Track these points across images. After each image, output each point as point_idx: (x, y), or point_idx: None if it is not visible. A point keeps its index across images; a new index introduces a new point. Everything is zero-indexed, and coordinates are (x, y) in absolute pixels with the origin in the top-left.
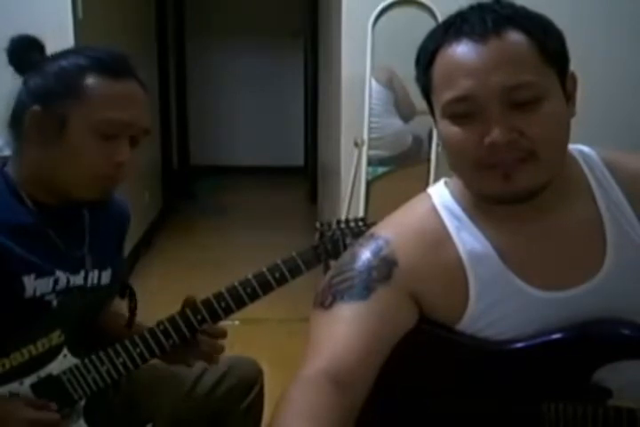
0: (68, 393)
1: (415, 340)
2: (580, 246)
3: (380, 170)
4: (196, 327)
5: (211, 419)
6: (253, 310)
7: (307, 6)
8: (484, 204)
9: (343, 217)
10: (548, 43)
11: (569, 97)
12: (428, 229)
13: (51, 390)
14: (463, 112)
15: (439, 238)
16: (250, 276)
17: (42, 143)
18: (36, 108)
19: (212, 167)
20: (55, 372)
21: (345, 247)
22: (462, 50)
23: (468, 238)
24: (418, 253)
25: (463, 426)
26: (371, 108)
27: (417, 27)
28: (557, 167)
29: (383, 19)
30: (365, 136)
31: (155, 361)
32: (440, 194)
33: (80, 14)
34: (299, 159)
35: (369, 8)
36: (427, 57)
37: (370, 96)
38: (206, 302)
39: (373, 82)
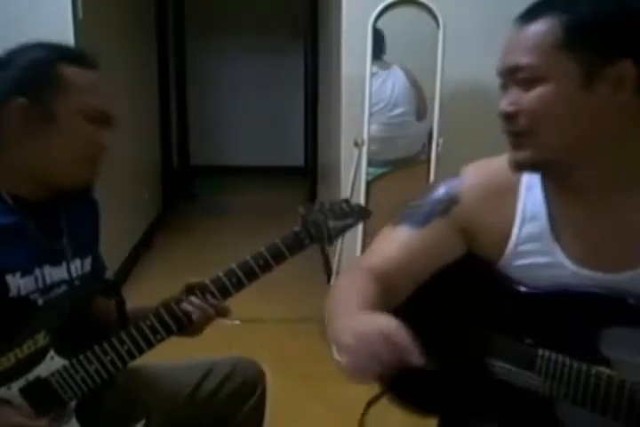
0: (58, 395)
1: (455, 274)
2: (634, 236)
3: (380, 170)
4: (182, 321)
5: (214, 421)
6: (253, 309)
7: (307, 6)
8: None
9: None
10: (582, 32)
11: (615, 83)
12: (504, 181)
13: (40, 393)
14: (502, 85)
15: (508, 192)
16: (234, 265)
17: (29, 134)
18: (22, 100)
19: (212, 167)
20: (43, 374)
21: (328, 230)
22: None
23: (530, 199)
24: (480, 198)
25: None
26: (399, 107)
27: (417, 27)
28: (556, 148)
29: (383, 19)
30: (365, 136)
31: (155, 362)
32: None
33: (80, 14)
34: (299, 159)
35: (369, 8)
36: None
37: (370, 96)
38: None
39: (404, 79)
